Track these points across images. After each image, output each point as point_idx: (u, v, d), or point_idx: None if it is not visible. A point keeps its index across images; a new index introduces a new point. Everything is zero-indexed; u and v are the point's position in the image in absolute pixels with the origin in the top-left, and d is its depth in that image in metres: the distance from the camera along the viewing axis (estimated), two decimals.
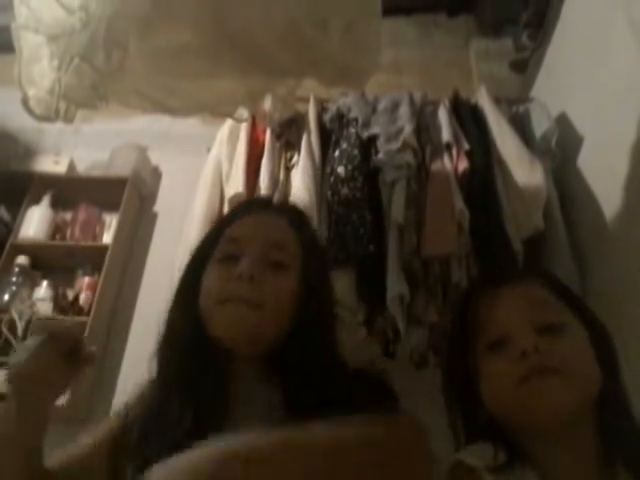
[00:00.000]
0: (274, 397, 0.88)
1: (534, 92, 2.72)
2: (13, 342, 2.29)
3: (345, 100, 2.34)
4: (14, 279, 2.45)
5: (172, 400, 0.91)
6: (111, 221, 2.70)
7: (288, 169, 2.22)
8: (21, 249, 2.54)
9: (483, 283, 1.02)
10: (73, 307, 2.46)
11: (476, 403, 0.92)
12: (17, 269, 2.47)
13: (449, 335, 1.04)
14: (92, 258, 2.54)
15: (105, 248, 2.54)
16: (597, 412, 0.87)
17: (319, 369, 0.91)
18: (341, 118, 2.29)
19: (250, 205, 1.13)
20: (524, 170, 2.13)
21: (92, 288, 2.48)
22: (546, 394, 0.82)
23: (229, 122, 2.34)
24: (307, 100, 2.34)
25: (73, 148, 2.90)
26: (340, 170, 2.07)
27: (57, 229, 2.66)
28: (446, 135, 2.19)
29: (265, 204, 1.14)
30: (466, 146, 2.16)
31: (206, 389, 0.90)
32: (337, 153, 2.15)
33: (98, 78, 1.18)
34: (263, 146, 2.25)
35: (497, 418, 0.90)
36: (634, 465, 0.85)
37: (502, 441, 0.89)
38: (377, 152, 2.13)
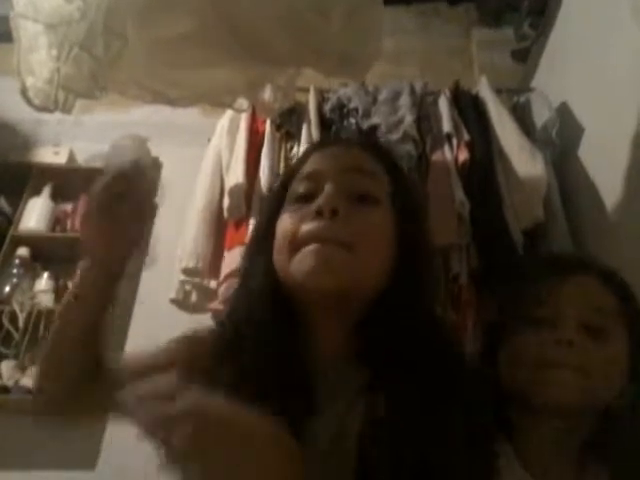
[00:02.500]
0: (359, 377, 0.73)
1: (535, 82, 2.71)
2: (14, 334, 2.30)
3: (345, 90, 2.33)
4: (15, 271, 2.45)
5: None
6: None
7: (288, 159, 2.21)
8: (22, 240, 2.54)
9: (549, 266, 1.02)
10: None
11: (492, 366, 0.94)
12: (18, 261, 2.47)
13: (501, 296, 1.05)
14: None
15: None
16: (604, 418, 0.88)
17: (421, 346, 0.74)
18: (341, 108, 2.28)
19: (327, 140, 0.95)
20: (525, 161, 2.13)
21: None
22: (557, 386, 0.85)
23: (229, 113, 2.33)
24: (307, 90, 2.33)
25: (73, 139, 2.90)
26: None
27: (57, 221, 2.66)
28: (447, 125, 2.19)
29: (342, 138, 0.97)
30: (466, 137, 2.15)
31: (283, 368, 0.72)
32: None
33: (97, 68, 1.17)
34: (263, 137, 2.24)
35: (504, 388, 0.92)
36: (616, 471, 0.87)
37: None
38: None
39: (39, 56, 1.21)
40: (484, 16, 3.14)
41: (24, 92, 1.24)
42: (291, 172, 0.88)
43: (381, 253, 0.77)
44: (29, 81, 1.23)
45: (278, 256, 0.78)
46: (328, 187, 0.77)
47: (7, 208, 2.62)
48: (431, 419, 0.69)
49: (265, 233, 0.83)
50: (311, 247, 0.73)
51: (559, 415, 0.87)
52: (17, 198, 2.62)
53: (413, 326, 0.76)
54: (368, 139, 0.99)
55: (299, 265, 0.74)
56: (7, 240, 2.51)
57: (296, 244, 0.75)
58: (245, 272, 0.86)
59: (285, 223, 0.79)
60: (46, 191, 2.65)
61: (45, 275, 2.50)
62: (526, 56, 2.84)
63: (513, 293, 1.00)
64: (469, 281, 1.94)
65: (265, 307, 0.77)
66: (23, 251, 2.51)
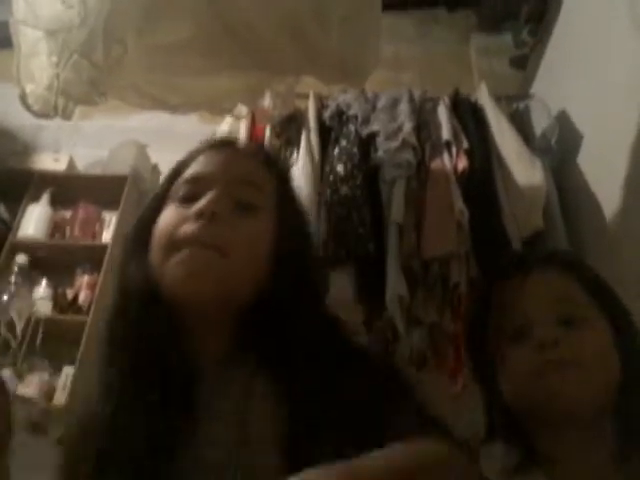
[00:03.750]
0: (252, 383, 0.72)
1: (534, 88, 2.71)
2: (12, 342, 2.29)
3: (345, 97, 2.33)
4: (13, 278, 2.44)
5: (125, 397, 0.72)
6: (111, 219, 2.70)
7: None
8: (20, 248, 2.53)
9: (509, 267, 1.00)
10: (72, 306, 2.45)
11: (496, 390, 0.92)
12: (16, 268, 2.46)
13: (471, 319, 1.04)
14: (91, 257, 2.54)
15: (104, 247, 2.54)
16: (617, 404, 0.86)
17: (311, 341, 0.74)
18: (341, 115, 2.29)
19: (213, 143, 0.92)
20: (524, 169, 2.13)
21: (91, 287, 2.47)
22: (563, 388, 0.82)
23: (228, 119, 2.33)
24: (307, 97, 2.33)
25: (72, 145, 2.89)
26: (339, 168, 2.06)
27: (56, 227, 2.66)
28: (446, 133, 2.18)
29: (230, 142, 0.95)
30: (466, 144, 2.15)
31: (167, 377, 0.71)
32: (337, 151, 2.14)
33: (97, 74, 1.17)
34: (262, 143, 2.24)
35: (513, 409, 0.90)
36: None
37: (516, 436, 0.89)
38: (376, 150, 2.13)
39: (39, 62, 1.21)
40: (483, 23, 3.14)
41: (24, 98, 1.24)
42: (177, 171, 0.86)
43: (256, 261, 0.76)
44: (29, 88, 1.23)
45: (154, 258, 0.76)
46: (212, 192, 0.77)
47: (6, 215, 2.61)
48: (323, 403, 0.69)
49: (144, 232, 0.81)
50: (186, 251, 0.72)
51: (577, 419, 0.84)
52: (16, 205, 2.61)
53: (291, 328, 0.75)
54: (260, 148, 1.01)
55: (172, 270, 0.73)
56: (6, 247, 2.51)
57: (172, 246, 0.74)
58: (122, 271, 0.82)
59: (164, 223, 0.77)
60: (45, 197, 2.65)
61: (43, 282, 2.49)
62: (525, 63, 2.84)
63: (483, 309, 0.97)
64: (469, 290, 1.94)
65: (143, 308, 0.75)
66: (22, 258, 2.50)
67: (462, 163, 2.10)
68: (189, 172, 0.82)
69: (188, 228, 0.74)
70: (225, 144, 0.93)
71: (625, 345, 0.88)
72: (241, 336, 0.76)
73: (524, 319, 0.89)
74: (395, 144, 2.10)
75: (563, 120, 2.30)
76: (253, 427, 0.68)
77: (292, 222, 0.84)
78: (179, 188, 0.81)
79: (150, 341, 0.73)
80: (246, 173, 0.82)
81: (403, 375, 0.80)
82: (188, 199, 0.78)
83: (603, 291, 0.94)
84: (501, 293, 0.94)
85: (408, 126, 2.15)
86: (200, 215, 0.74)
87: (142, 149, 2.86)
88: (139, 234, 0.82)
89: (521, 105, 2.48)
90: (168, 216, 0.78)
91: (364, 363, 0.77)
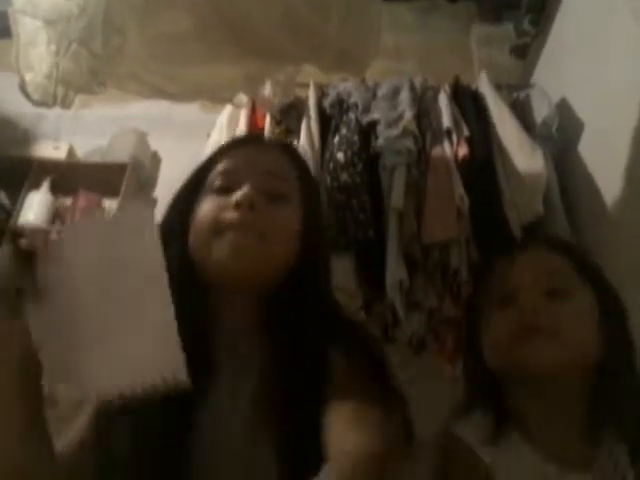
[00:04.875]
0: (262, 351, 0.82)
1: (535, 77, 2.71)
2: None
3: (345, 85, 2.33)
4: None
5: None
6: (111, 207, 2.70)
7: None
8: (21, 235, 2.53)
9: (508, 246, 1.09)
10: None
11: (479, 357, 0.97)
12: None
13: (471, 293, 1.12)
14: None
15: None
16: (595, 379, 0.90)
17: (319, 318, 0.85)
18: (341, 103, 2.28)
19: (241, 140, 1.02)
20: (524, 156, 2.13)
21: None
22: (533, 354, 0.87)
23: (229, 108, 2.33)
24: (307, 85, 2.33)
25: (72, 134, 2.89)
26: (339, 156, 2.06)
27: (57, 215, 2.66)
28: (446, 121, 2.18)
29: (257, 139, 1.07)
30: (466, 132, 2.15)
31: (193, 337, 0.76)
32: (337, 139, 2.14)
33: (96, 63, 1.17)
34: (263, 132, 2.24)
35: (492, 370, 0.95)
36: (628, 435, 0.89)
37: (493, 399, 0.93)
38: (377, 138, 2.13)
39: (38, 51, 1.21)
40: (483, 12, 3.13)
41: (23, 87, 1.24)
42: (206, 167, 0.95)
43: (289, 244, 0.87)
44: (28, 76, 1.23)
45: (197, 240, 0.86)
46: (246, 185, 0.86)
47: (6, 202, 2.62)
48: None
49: (181, 220, 0.90)
50: (230, 235, 0.82)
51: (551, 382, 0.88)
52: (16, 192, 2.61)
53: (311, 301, 0.87)
54: (281, 142, 1.09)
55: (219, 251, 0.82)
56: (6, 234, 2.51)
57: (216, 230, 0.83)
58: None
59: (206, 211, 0.86)
60: (45, 185, 2.65)
61: None
62: (525, 52, 2.84)
63: (480, 283, 1.04)
64: (469, 276, 1.95)
65: (181, 286, 0.80)
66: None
67: (462, 150, 2.11)
68: (222, 166, 0.91)
69: (229, 215, 0.83)
70: (250, 140, 1.04)
71: (610, 324, 0.92)
72: (263, 313, 0.86)
73: (511, 288, 0.94)
74: (396, 132, 2.10)
75: (564, 108, 2.30)
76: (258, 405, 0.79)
77: (314, 208, 0.95)
78: (214, 180, 0.90)
79: (187, 314, 0.80)
80: (272, 166, 0.92)
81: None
82: (223, 190, 0.87)
83: (593, 271, 0.99)
84: (496, 266, 1.00)
85: (409, 114, 2.15)
86: (239, 205, 0.83)
87: (142, 137, 2.86)
88: (174, 221, 0.91)
89: (522, 94, 2.48)
90: (209, 205, 0.87)
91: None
